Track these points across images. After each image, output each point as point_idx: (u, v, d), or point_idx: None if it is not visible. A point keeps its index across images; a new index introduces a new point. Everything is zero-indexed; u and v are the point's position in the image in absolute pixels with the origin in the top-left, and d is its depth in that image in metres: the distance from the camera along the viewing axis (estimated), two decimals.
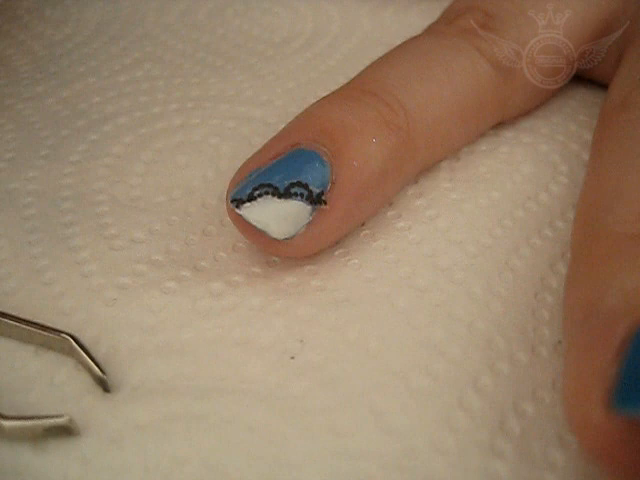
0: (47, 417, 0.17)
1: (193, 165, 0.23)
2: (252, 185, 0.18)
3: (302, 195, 0.18)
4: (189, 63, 0.27)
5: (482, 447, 0.16)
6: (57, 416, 0.17)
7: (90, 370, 0.18)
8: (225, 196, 0.19)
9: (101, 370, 0.17)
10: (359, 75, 0.21)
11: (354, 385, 0.17)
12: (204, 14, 0.29)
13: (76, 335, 0.18)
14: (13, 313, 0.18)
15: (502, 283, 0.19)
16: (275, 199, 0.18)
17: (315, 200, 0.18)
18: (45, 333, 0.18)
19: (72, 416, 0.17)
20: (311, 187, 0.18)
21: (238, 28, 0.29)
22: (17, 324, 0.18)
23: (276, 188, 0.18)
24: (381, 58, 0.22)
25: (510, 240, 0.20)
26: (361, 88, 0.20)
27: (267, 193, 0.18)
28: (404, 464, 0.16)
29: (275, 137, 0.20)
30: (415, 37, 0.23)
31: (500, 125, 0.23)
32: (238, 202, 0.18)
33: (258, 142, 0.23)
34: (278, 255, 0.20)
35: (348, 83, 0.21)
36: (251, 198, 0.18)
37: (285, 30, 0.29)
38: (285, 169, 0.18)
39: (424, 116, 0.20)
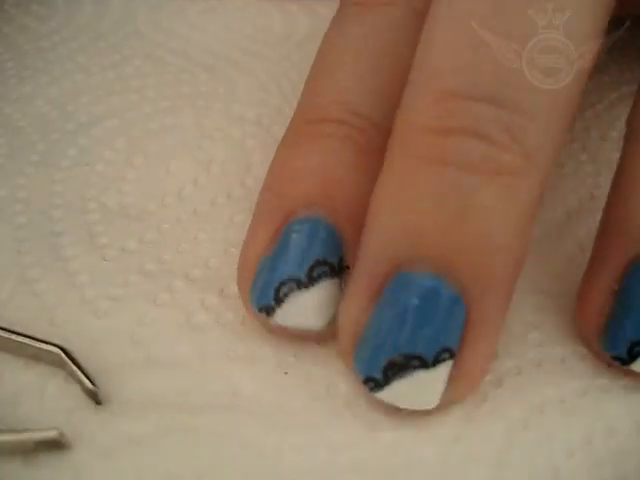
0: (37, 431, 0.17)
1: (184, 170, 0.23)
2: (272, 285, 0.17)
3: (326, 274, 0.17)
4: (180, 60, 0.27)
5: None
6: (47, 430, 0.17)
7: (81, 382, 0.17)
8: (241, 293, 0.18)
9: (92, 383, 0.17)
10: (305, 99, 0.19)
11: (347, 399, 0.17)
12: (195, 12, 0.29)
13: (67, 347, 0.18)
14: (3, 325, 0.18)
15: None
16: (303, 291, 0.17)
17: (338, 270, 0.17)
18: (35, 345, 0.18)
19: (63, 429, 0.17)
20: (330, 260, 0.17)
21: (229, 27, 0.28)
22: (7, 336, 0.18)
23: (298, 279, 0.17)
24: (315, 73, 0.19)
25: None
26: (316, 118, 0.18)
27: (292, 289, 0.17)
28: (401, 477, 0.16)
29: (261, 209, 0.18)
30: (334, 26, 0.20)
31: None
32: (268, 310, 0.17)
33: (251, 145, 0.23)
34: (326, 338, 0.18)
35: (301, 114, 0.19)
36: (279, 301, 0.17)
37: (279, 29, 0.28)
38: (298, 253, 0.17)
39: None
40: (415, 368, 0.15)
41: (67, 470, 0.16)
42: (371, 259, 0.16)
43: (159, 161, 0.23)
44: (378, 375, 0.16)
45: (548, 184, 0.16)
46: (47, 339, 0.18)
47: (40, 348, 0.18)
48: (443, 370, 0.16)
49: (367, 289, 0.16)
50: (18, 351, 0.18)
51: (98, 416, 0.17)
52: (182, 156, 0.23)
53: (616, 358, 0.17)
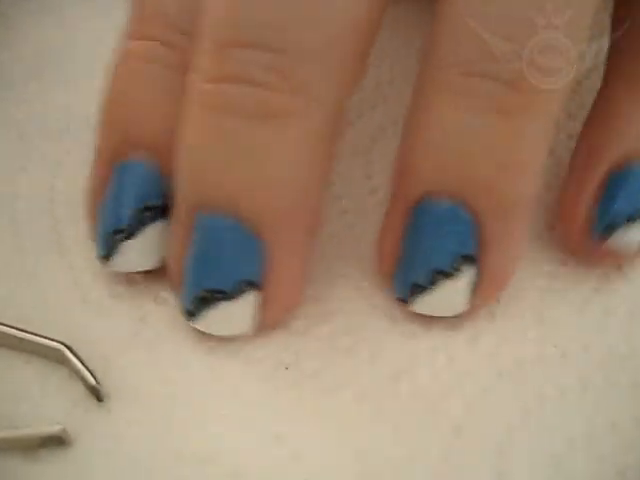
0: (40, 427, 0.17)
1: None
2: (105, 237, 0.18)
3: (153, 218, 0.18)
4: None
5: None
6: (50, 426, 0.17)
7: (83, 379, 0.17)
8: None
9: (94, 379, 0.17)
10: (128, 25, 0.18)
11: (348, 392, 0.18)
12: None
13: (69, 344, 0.18)
14: (4, 321, 0.18)
15: None
16: (130, 240, 0.18)
17: (165, 211, 0.18)
18: (38, 341, 0.18)
19: (65, 426, 0.17)
20: (155, 202, 0.18)
21: None
22: (9, 332, 0.18)
23: (126, 230, 0.18)
24: None
25: None
26: (139, 33, 0.18)
27: (122, 240, 0.18)
28: (404, 464, 0.16)
29: (95, 150, 0.18)
30: None
31: None
32: (103, 259, 0.18)
33: None
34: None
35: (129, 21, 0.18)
36: (112, 251, 0.18)
37: None
38: (122, 202, 0.18)
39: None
40: (219, 300, 0.17)
41: (69, 466, 0.17)
42: (178, 199, 0.17)
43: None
44: (190, 307, 0.17)
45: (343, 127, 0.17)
46: (49, 336, 0.18)
47: (42, 344, 0.18)
48: (246, 300, 0.17)
49: (180, 228, 0.17)
50: (20, 348, 0.18)
51: (99, 413, 0.17)
52: None
53: (399, 299, 0.18)
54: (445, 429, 0.17)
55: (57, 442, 0.17)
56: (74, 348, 0.18)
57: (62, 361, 0.18)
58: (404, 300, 0.18)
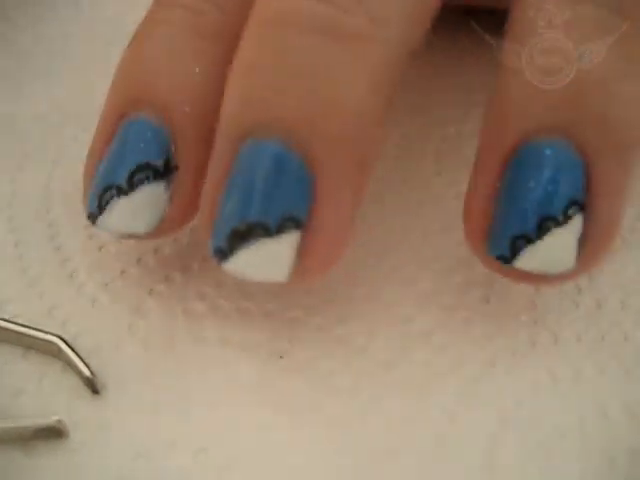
0: (36, 418, 0.17)
1: None
2: (95, 193, 0.17)
3: (148, 178, 0.17)
4: None
5: None
6: (46, 417, 0.17)
7: (79, 371, 0.18)
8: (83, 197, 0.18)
9: (90, 371, 0.18)
10: None
11: (342, 381, 0.18)
12: None
13: (63, 336, 0.18)
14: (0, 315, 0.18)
15: None
16: (123, 197, 0.17)
17: (163, 173, 0.17)
18: (33, 335, 0.18)
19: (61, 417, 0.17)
20: (153, 163, 0.16)
21: None
22: (4, 326, 0.18)
23: (118, 186, 0.17)
24: None
25: None
26: (160, 4, 0.18)
27: (112, 197, 0.17)
28: (396, 452, 0.17)
29: (102, 111, 0.18)
30: None
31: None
32: (92, 218, 0.17)
33: None
34: (162, 237, 0.18)
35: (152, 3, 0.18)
36: (101, 209, 0.17)
37: None
38: (118, 159, 0.17)
39: None
40: (259, 237, 0.15)
41: (64, 458, 0.17)
42: (222, 129, 0.16)
43: None
44: (223, 244, 0.16)
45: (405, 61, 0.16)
46: (43, 329, 0.18)
47: (37, 338, 0.18)
48: (288, 239, 0.15)
49: (221, 160, 0.16)
50: (16, 341, 0.18)
51: (95, 405, 0.17)
52: None
53: (500, 257, 0.16)
54: (437, 417, 0.17)
55: (54, 433, 0.17)
56: (69, 342, 0.18)
57: (57, 354, 0.18)
58: (505, 258, 0.16)
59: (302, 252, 0.15)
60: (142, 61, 0.17)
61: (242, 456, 0.17)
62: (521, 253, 0.16)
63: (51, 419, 0.17)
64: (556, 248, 0.16)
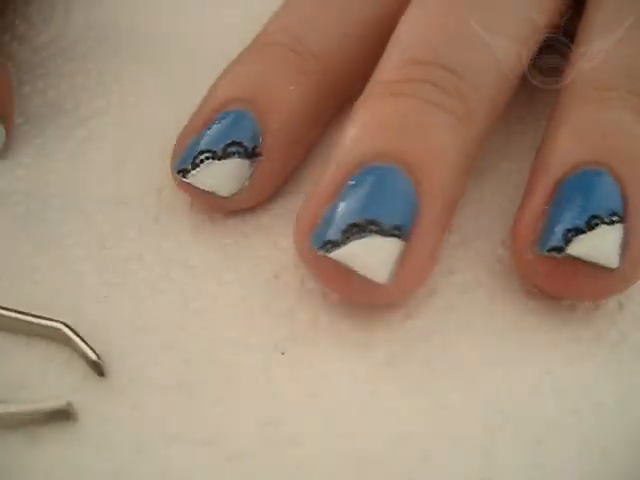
0: (45, 402, 0.17)
1: None
2: (193, 154, 0.20)
3: (239, 153, 0.20)
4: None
5: None
6: (55, 400, 0.17)
7: (84, 355, 0.18)
8: (170, 169, 0.20)
9: (96, 355, 0.18)
10: (264, 28, 0.23)
11: (344, 376, 0.18)
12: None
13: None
14: (4, 305, 0.18)
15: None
16: (216, 162, 0.20)
17: (251, 154, 0.20)
18: (38, 322, 0.18)
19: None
20: (245, 143, 0.20)
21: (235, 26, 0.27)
22: (9, 315, 0.18)
23: (214, 152, 0.20)
24: (282, 6, 0.23)
25: None
26: (265, 41, 0.22)
27: (207, 158, 0.20)
28: (399, 441, 0.17)
29: (203, 103, 0.21)
30: None
31: None
32: (184, 172, 0.20)
33: None
34: (230, 209, 0.21)
35: (255, 39, 0.22)
36: (195, 165, 0.20)
37: None
38: (219, 133, 0.20)
39: (335, 53, 0.22)
40: (373, 232, 0.17)
41: (70, 445, 0.17)
42: (342, 154, 0.19)
43: (158, 153, 0.22)
44: (337, 237, 0.18)
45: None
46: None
47: (43, 325, 0.18)
48: (395, 243, 0.18)
49: (335, 178, 0.18)
50: (21, 330, 0.18)
51: (101, 390, 0.17)
52: None
53: (553, 249, 0.18)
54: (435, 411, 0.17)
55: (63, 416, 0.17)
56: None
57: (63, 340, 0.18)
58: (559, 248, 0.18)
59: (402, 261, 0.18)
60: (248, 73, 0.21)
61: (246, 450, 0.17)
62: (574, 240, 0.18)
63: (60, 401, 0.17)
64: (604, 241, 0.18)
